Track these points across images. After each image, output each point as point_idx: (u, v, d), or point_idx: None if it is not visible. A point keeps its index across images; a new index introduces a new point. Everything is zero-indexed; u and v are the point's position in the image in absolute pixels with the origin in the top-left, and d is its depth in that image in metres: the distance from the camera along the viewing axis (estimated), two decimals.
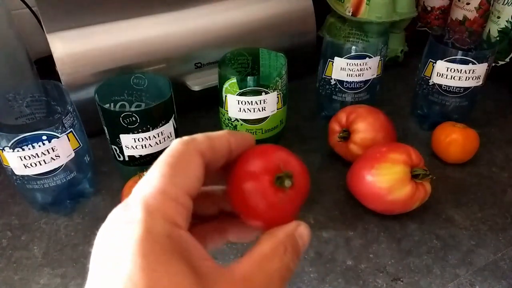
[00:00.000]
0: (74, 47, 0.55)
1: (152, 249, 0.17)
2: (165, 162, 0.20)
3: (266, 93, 0.50)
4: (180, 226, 0.19)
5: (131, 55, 0.57)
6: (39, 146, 0.44)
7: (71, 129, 0.46)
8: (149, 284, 0.16)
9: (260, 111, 0.51)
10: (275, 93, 0.51)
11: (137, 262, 0.17)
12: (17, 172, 0.45)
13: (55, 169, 0.46)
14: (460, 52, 0.55)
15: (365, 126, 0.53)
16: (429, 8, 0.81)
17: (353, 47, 0.57)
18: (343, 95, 0.61)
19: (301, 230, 0.22)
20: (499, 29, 0.70)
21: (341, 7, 0.72)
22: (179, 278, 0.17)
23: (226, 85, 0.50)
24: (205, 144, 0.21)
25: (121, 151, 0.50)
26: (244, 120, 0.52)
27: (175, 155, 0.20)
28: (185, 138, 0.21)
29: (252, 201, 0.22)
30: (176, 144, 0.21)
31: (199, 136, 0.21)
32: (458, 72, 0.56)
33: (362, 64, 0.57)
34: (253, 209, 0.22)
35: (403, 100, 0.70)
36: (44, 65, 0.67)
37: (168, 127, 0.50)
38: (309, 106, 0.68)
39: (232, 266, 0.20)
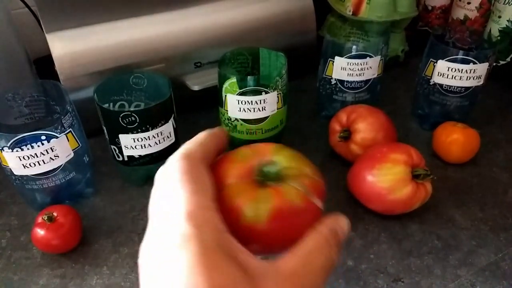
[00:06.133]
0: (73, 47, 0.54)
1: (208, 257, 0.19)
2: (185, 181, 0.21)
3: (266, 92, 0.50)
4: (224, 231, 0.20)
5: (130, 55, 0.57)
6: (38, 146, 0.44)
7: (70, 129, 0.46)
8: (209, 284, 0.18)
9: (260, 111, 0.51)
10: (275, 92, 0.50)
11: (197, 269, 0.18)
12: (16, 172, 0.45)
13: (54, 169, 0.46)
14: (461, 52, 0.55)
15: (365, 126, 0.53)
16: (430, 8, 0.81)
17: (354, 47, 0.57)
18: (344, 95, 0.60)
19: (341, 222, 0.23)
20: (500, 29, 0.70)
21: (342, 6, 0.72)
22: (233, 277, 0.19)
23: (226, 85, 0.50)
24: (201, 152, 0.23)
25: (120, 151, 0.50)
26: (244, 120, 0.52)
27: (188, 172, 0.22)
28: (183, 152, 0.23)
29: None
30: (180, 161, 0.22)
31: (193, 147, 0.23)
32: (459, 71, 0.56)
33: (362, 64, 0.57)
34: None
35: (404, 100, 0.70)
36: (43, 64, 0.67)
37: (168, 127, 0.50)
38: (310, 106, 0.68)
39: (277, 262, 0.21)
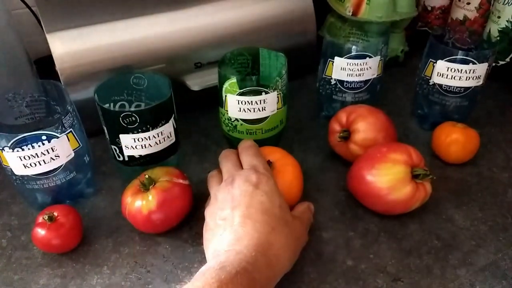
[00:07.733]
0: (74, 47, 0.54)
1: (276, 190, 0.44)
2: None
3: (266, 93, 0.50)
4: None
5: (131, 55, 0.57)
6: (39, 146, 0.44)
7: (71, 129, 0.46)
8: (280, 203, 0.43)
9: (260, 111, 0.51)
10: (275, 93, 0.50)
11: (276, 193, 0.43)
12: (16, 172, 0.45)
13: (54, 169, 0.46)
14: (460, 52, 0.55)
15: (365, 126, 0.53)
16: (429, 8, 0.81)
17: (353, 47, 0.57)
18: (343, 95, 0.61)
19: (311, 205, 0.48)
20: (499, 29, 0.70)
21: (341, 6, 0.72)
22: (287, 207, 0.44)
23: (226, 85, 0.50)
24: None
25: (121, 151, 0.50)
26: (244, 120, 0.52)
27: None
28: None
29: None
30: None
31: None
32: (458, 72, 0.56)
33: (362, 64, 0.57)
34: None
35: (404, 100, 0.70)
36: (44, 65, 0.67)
37: (168, 127, 0.50)
38: (309, 106, 0.68)
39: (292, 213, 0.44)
